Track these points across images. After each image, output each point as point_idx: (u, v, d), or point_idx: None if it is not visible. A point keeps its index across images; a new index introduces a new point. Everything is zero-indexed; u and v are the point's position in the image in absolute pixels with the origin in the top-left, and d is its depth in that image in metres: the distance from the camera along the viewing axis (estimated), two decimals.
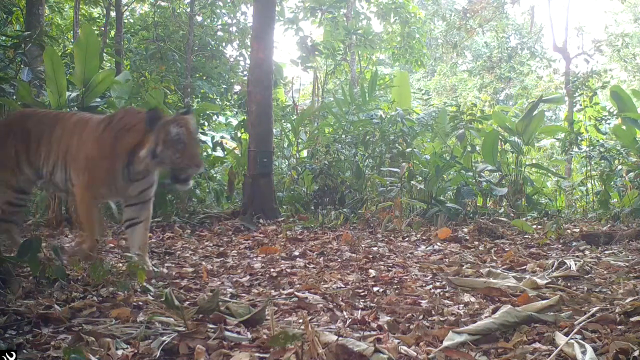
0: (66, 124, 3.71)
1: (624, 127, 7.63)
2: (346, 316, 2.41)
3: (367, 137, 8.21)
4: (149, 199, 3.58)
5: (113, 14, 11.30)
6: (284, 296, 2.82)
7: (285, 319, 2.39)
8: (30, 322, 2.15)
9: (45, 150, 3.67)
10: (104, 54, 9.33)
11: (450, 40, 20.14)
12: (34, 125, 3.78)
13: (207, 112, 9.33)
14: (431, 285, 3.09)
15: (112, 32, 11.50)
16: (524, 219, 6.37)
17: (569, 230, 5.28)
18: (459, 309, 2.52)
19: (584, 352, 1.79)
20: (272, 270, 3.55)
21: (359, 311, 2.49)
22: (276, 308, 2.55)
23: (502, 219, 6.26)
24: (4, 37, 7.24)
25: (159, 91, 8.05)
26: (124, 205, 3.61)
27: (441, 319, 2.35)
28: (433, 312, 2.45)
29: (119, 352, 1.84)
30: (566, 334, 2.00)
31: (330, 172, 7.41)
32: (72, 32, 11.27)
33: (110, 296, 2.65)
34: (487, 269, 3.34)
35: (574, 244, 4.58)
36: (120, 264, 3.54)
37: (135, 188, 3.49)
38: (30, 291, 2.63)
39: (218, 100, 12.18)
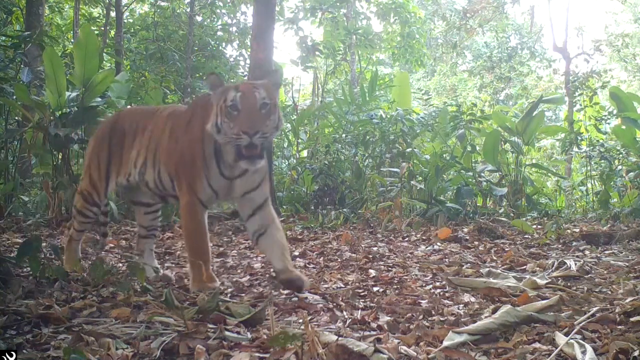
0: (158, 120, 3.24)
1: (623, 127, 7.63)
2: (346, 316, 2.41)
3: (367, 137, 8.21)
4: (262, 201, 3.00)
5: (113, 14, 11.30)
6: (284, 296, 2.82)
7: (285, 319, 2.39)
8: (30, 322, 2.15)
9: (136, 152, 3.23)
10: (104, 54, 9.33)
11: (450, 40, 20.15)
12: (129, 125, 3.34)
13: None
14: (431, 285, 3.09)
15: (112, 32, 11.50)
16: (524, 219, 6.37)
17: (569, 230, 5.28)
18: (459, 309, 2.52)
19: (584, 352, 1.79)
20: (272, 270, 3.54)
21: (359, 311, 2.49)
22: (276, 308, 2.55)
23: (502, 219, 6.26)
24: (4, 37, 7.24)
25: (159, 91, 8.05)
26: (245, 219, 3.07)
27: (441, 319, 2.35)
28: (433, 312, 2.45)
29: (119, 352, 1.84)
30: (566, 334, 2.00)
31: (330, 172, 7.41)
32: (72, 32, 11.27)
33: (110, 296, 2.65)
34: (487, 269, 3.34)
35: (574, 244, 4.57)
36: (120, 264, 3.54)
37: (239, 187, 2.94)
38: (30, 291, 2.63)
39: None
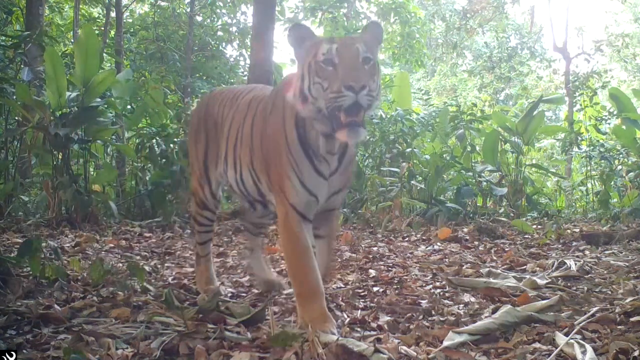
0: (239, 106, 2.68)
1: (624, 127, 7.63)
2: (346, 316, 2.41)
3: (367, 137, 8.20)
4: (335, 207, 2.48)
5: (113, 14, 11.30)
6: (284, 296, 2.82)
7: (285, 319, 2.39)
8: (30, 322, 2.15)
9: (224, 143, 2.71)
10: (104, 54, 9.33)
11: (450, 41, 20.14)
12: (217, 110, 2.80)
13: None
14: (431, 285, 3.09)
15: (112, 32, 11.50)
16: (524, 219, 6.37)
17: (569, 230, 5.28)
18: (459, 309, 2.52)
19: (584, 352, 1.79)
20: (272, 270, 3.54)
21: (359, 311, 2.49)
22: (276, 308, 2.55)
23: (502, 219, 6.26)
24: (4, 37, 7.24)
25: (159, 91, 8.05)
26: None
27: (441, 319, 2.35)
28: (433, 312, 2.45)
29: (119, 352, 1.84)
30: (566, 334, 2.00)
31: None
32: (72, 32, 11.27)
33: (110, 296, 2.64)
34: (487, 269, 3.34)
35: (574, 244, 4.57)
36: (120, 264, 3.54)
37: (331, 186, 2.31)
38: (30, 291, 2.63)
39: None
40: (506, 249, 4.36)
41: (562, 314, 2.30)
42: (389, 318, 2.33)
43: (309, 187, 2.23)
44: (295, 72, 2.21)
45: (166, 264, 3.85)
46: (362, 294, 2.86)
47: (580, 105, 8.48)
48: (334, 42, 2.09)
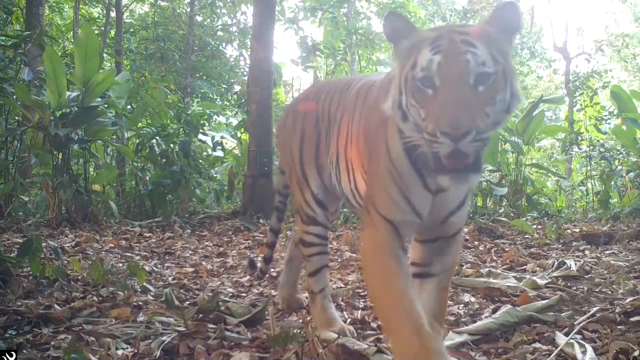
0: (347, 99, 2.19)
1: (624, 127, 7.63)
2: (346, 316, 2.41)
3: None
4: (454, 232, 1.84)
5: (113, 14, 11.30)
6: None
7: (285, 319, 2.38)
8: (30, 322, 2.15)
9: (334, 144, 2.20)
10: (104, 54, 9.33)
11: None
12: (324, 104, 2.32)
13: (208, 112, 9.34)
14: None
15: (112, 32, 11.51)
16: (524, 219, 6.36)
17: (569, 230, 5.28)
18: (459, 309, 2.52)
19: (584, 352, 1.79)
20: (272, 270, 3.54)
21: (359, 311, 2.49)
22: (276, 308, 2.54)
23: (502, 219, 6.25)
24: (4, 37, 7.24)
25: (159, 91, 8.05)
26: (414, 239, 1.91)
27: None
28: None
29: (119, 352, 1.84)
30: (566, 334, 2.00)
31: None
32: (72, 32, 11.27)
33: (110, 296, 2.64)
34: (487, 269, 3.34)
35: (574, 244, 4.57)
36: (121, 264, 3.54)
37: (441, 205, 1.76)
38: (30, 291, 2.63)
39: (218, 100, 12.19)
40: (506, 249, 4.36)
41: (562, 314, 2.30)
42: None
43: (413, 202, 1.71)
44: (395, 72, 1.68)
45: (166, 264, 3.85)
46: (362, 294, 2.86)
47: (581, 105, 8.48)
48: (438, 49, 1.53)
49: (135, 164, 7.29)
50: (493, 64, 1.52)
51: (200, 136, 7.58)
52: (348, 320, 2.32)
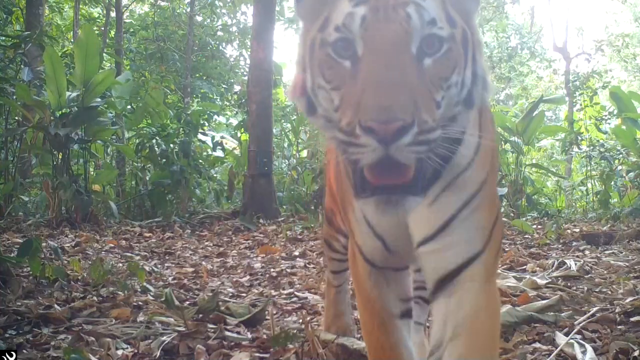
0: None
1: (624, 127, 7.63)
2: None
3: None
4: (455, 272, 1.24)
5: (113, 14, 11.30)
6: (284, 296, 2.82)
7: (285, 319, 2.39)
8: (30, 322, 2.15)
9: None
10: (104, 54, 9.34)
11: None
12: None
13: (208, 112, 9.35)
14: None
15: (112, 32, 11.51)
16: (524, 219, 6.36)
17: (569, 230, 5.28)
18: None
19: (584, 352, 1.79)
20: (272, 270, 3.54)
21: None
22: (276, 308, 2.54)
23: (502, 218, 6.25)
24: (4, 37, 7.24)
25: (159, 91, 8.05)
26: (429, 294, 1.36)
27: None
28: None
29: (119, 352, 1.84)
30: (566, 334, 2.00)
31: None
32: (72, 32, 11.27)
33: (110, 296, 2.64)
34: None
35: (574, 244, 4.57)
36: (121, 264, 3.54)
37: (418, 225, 1.24)
38: (30, 291, 2.63)
39: (218, 100, 12.19)
40: (506, 249, 4.36)
41: (562, 314, 2.30)
42: None
43: (372, 223, 1.29)
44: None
45: (166, 264, 3.85)
46: None
47: (581, 105, 8.49)
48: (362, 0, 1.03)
49: (135, 164, 7.29)
50: (448, 25, 1.03)
51: (200, 136, 7.59)
52: None
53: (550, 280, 3.03)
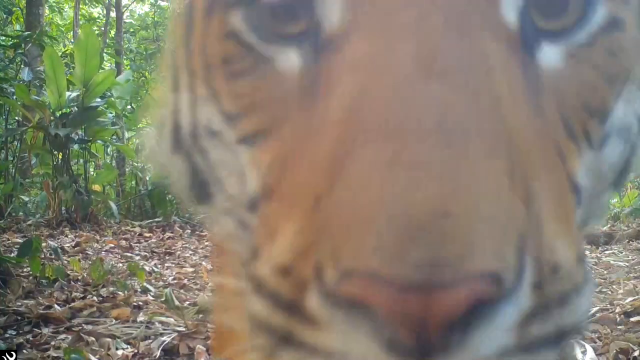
0: None
1: None
2: None
3: None
4: None
5: (113, 14, 11.30)
6: None
7: None
8: (30, 322, 2.15)
9: None
10: (104, 54, 9.34)
11: None
12: None
13: None
14: None
15: (112, 32, 11.51)
16: None
17: None
18: None
19: (584, 352, 1.79)
20: None
21: None
22: None
23: None
24: (4, 37, 7.24)
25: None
26: None
27: None
28: None
29: (119, 352, 1.84)
30: None
31: None
32: (72, 32, 11.28)
33: (110, 296, 2.64)
34: None
35: None
36: (121, 264, 3.54)
37: None
38: (30, 291, 2.63)
39: None
40: None
41: None
42: None
43: None
44: None
45: (166, 264, 3.85)
46: None
47: None
48: None
49: (135, 164, 7.29)
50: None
51: None
52: None
53: None
